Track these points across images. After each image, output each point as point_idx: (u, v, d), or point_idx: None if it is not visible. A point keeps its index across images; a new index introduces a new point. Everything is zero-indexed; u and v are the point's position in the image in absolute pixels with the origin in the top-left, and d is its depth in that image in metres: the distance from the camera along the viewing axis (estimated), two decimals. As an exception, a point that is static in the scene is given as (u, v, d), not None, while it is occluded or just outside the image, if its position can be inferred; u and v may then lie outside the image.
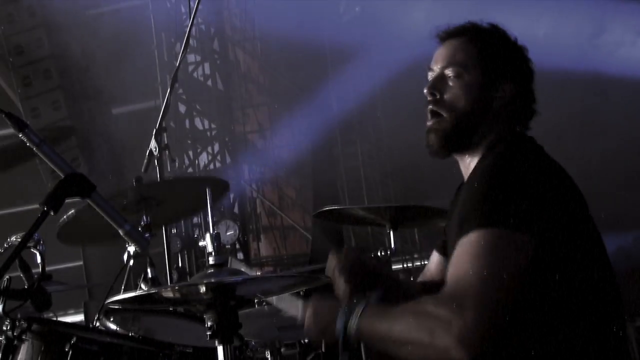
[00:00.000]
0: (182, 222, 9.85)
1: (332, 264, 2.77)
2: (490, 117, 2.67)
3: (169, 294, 2.42)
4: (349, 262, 2.74)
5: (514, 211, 2.36)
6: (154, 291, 2.29)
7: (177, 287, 2.47)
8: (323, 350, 4.16)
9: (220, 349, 2.32)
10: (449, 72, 2.70)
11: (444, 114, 2.69)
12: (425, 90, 2.73)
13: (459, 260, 2.36)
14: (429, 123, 2.72)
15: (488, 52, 2.69)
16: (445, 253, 2.86)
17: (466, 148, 2.71)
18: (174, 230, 9.73)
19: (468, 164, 2.73)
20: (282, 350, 4.66)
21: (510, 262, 2.32)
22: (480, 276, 2.28)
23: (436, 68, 2.74)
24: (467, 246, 2.35)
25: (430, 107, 2.71)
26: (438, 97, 2.69)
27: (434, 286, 2.72)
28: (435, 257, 3.02)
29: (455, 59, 2.70)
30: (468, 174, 2.71)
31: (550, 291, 2.40)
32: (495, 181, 2.46)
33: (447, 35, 2.77)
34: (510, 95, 2.68)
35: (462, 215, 2.45)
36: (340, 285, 2.70)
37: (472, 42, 2.71)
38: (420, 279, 3.08)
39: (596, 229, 2.57)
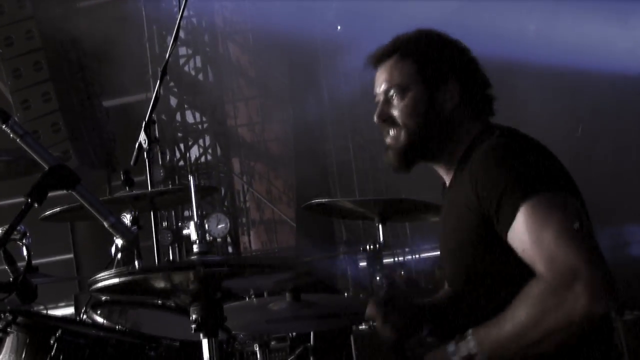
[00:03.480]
0: (173, 215, 9.85)
1: (371, 312, 2.77)
2: (447, 121, 2.68)
3: (154, 280, 2.40)
4: (390, 312, 2.73)
5: (546, 174, 2.44)
6: (137, 273, 2.25)
7: (160, 270, 2.42)
8: (312, 343, 4.16)
9: (205, 342, 2.31)
10: (391, 94, 2.72)
11: (397, 132, 2.71)
12: (375, 120, 2.75)
13: (533, 238, 2.35)
14: (386, 141, 2.75)
15: (422, 62, 2.70)
16: None
17: (431, 158, 2.75)
18: (164, 224, 9.73)
19: (446, 169, 2.75)
20: (273, 343, 4.67)
21: (578, 215, 2.38)
22: (565, 236, 2.32)
23: (379, 94, 2.76)
24: (528, 222, 2.36)
25: (384, 131, 2.74)
26: (389, 121, 2.72)
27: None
28: None
29: (393, 80, 2.71)
30: (450, 176, 2.73)
31: None
32: (510, 156, 2.49)
33: (378, 59, 2.78)
34: (458, 93, 2.69)
35: (495, 201, 2.43)
36: (388, 335, 2.72)
37: (404, 58, 2.71)
38: (441, 293, 3.05)
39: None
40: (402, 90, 2.69)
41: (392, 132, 2.72)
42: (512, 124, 2.72)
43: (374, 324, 2.77)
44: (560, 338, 2.32)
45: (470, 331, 2.44)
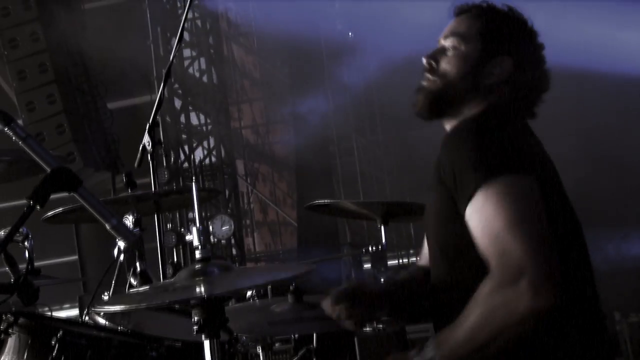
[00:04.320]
0: (177, 217, 9.87)
1: (326, 306, 2.76)
2: (483, 91, 2.66)
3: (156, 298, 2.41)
4: (339, 298, 2.72)
5: (508, 156, 2.39)
6: (142, 306, 2.27)
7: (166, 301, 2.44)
8: (314, 345, 4.16)
9: (206, 344, 2.32)
10: (448, 42, 2.73)
11: (436, 77, 2.71)
12: (423, 59, 2.76)
13: (484, 228, 2.34)
14: (422, 83, 2.74)
15: (490, 26, 2.70)
16: None
17: (450, 116, 2.71)
18: (169, 225, 9.75)
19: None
20: (276, 345, 4.66)
21: (532, 203, 2.35)
22: (513, 230, 2.29)
23: (440, 40, 2.78)
24: (481, 208, 2.35)
25: (425, 74, 2.74)
26: (434, 65, 2.72)
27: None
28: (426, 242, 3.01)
29: (456, 31, 2.73)
30: None
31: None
32: (478, 134, 2.47)
33: (458, 11, 2.80)
34: (508, 73, 2.67)
35: (457, 178, 2.42)
36: (345, 322, 2.71)
37: (476, 17, 2.73)
38: (419, 263, 3.06)
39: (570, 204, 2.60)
40: (458, 41, 2.70)
41: (430, 76, 2.72)
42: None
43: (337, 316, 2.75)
44: (508, 336, 2.30)
45: (431, 338, 2.43)
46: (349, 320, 2.74)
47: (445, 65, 2.70)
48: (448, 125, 2.73)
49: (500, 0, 2.81)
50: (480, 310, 2.32)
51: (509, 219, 2.31)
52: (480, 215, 2.36)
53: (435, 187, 2.55)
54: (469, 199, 2.38)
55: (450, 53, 2.71)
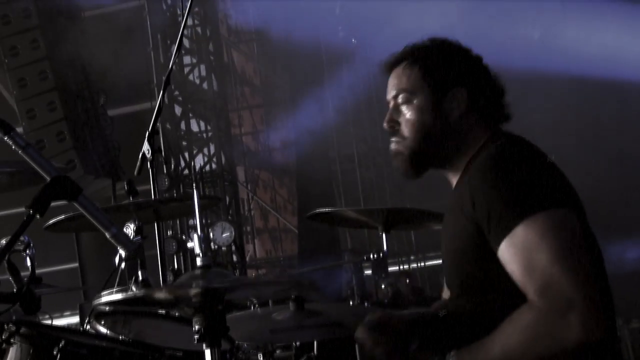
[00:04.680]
0: (178, 224, 9.85)
1: (361, 336, 2.72)
2: (455, 128, 2.68)
3: (158, 295, 2.41)
4: (374, 327, 2.68)
5: (545, 190, 2.40)
6: (139, 294, 2.27)
7: (164, 290, 2.44)
8: (315, 352, 4.15)
9: (207, 353, 2.32)
10: (399, 100, 2.74)
11: (405, 140, 2.72)
12: (384, 125, 2.78)
13: (526, 258, 2.34)
14: (393, 147, 2.76)
15: (430, 67, 2.71)
16: None
17: (441, 164, 2.74)
18: (169, 232, 9.73)
19: (453, 175, 2.75)
20: (277, 352, 4.65)
21: (574, 236, 2.37)
22: (560, 262, 2.30)
23: (389, 99, 2.79)
24: (523, 242, 2.35)
25: (392, 138, 2.77)
26: (396, 127, 2.74)
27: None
28: None
29: (401, 86, 2.74)
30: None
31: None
32: (510, 168, 2.47)
33: (390, 66, 2.81)
34: (466, 100, 2.68)
35: (493, 214, 2.41)
36: (379, 356, 2.68)
37: (412, 64, 2.73)
38: (444, 295, 3.04)
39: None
40: (409, 96, 2.71)
41: (398, 139, 2.73)
42: (517, 131, 2.72)
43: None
44: None
45: (453, 353, 2.42)
46: (383, 351, 2.68)
47: (407, 124, 2.71)
48: (448, 174, 2.74)
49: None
50: (522, 336, 2.33)
51: (554, 252, 2.32)
52: (521, 249, 2.36)
53: (457, 221, 2.56)
54: (504, 234, 2.38)
55: (405, 110, 2.72)
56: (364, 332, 2.70)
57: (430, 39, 2.78)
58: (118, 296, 2.27)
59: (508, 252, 2.39)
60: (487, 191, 2.46)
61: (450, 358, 2.42)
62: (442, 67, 2.71)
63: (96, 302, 2.27)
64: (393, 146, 2.75)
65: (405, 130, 2.71)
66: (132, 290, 2.63)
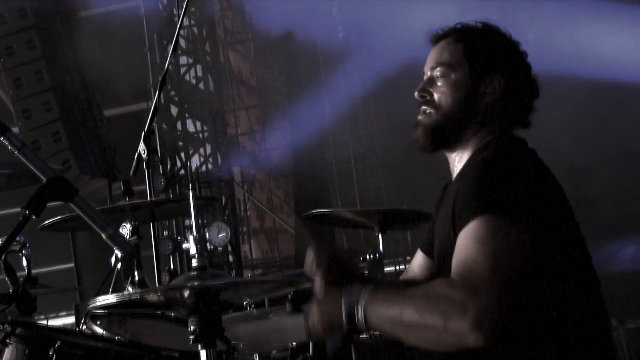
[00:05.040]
0: (174, 224, 9.85)
1: (309, 260, 2.73)
2: (481, 113, 2.69)
3: (151, 297, 2.41)
4: (326, 258, 2.69)
5: (513, 202, 2.40)
6: (134, 295, 2.27)
7: (158, 291, 2.44)
8: (311, 353, 4.14)
9: (203, 354, 2.32)
10: (437, 73, 2.74)
11: (432, 110, 2.73)
12: (415, 94, 2.76)
13: (466, 247, 2.37)
14: (418, 117, 2.76)
15: (474, 48, 2.72)
16: (430, 253, 2.88)
17: (454, 144, 2.73)
18: (165, 233, 9.73)
19: (457, 161, 2.75)
20: (274, 353, 4.65)
21: (516, 248, 2.36)
22: (491, 261, 2.31)
23: (427, 71, 2.78)
24: (472, 233, 2.37)
25: (421, 107, 2.75)
26: (428, 98, 2.73)
27: (417, 284, 2.72)
28: (419, 256, 3.01)
29: (442, 60, 2.74)
30: (457, 171, 2.73)
31: (544, 284, 2.44)
32: (494, 172, 2.48)
33: (437, 38, 2.81)
34: (501, 90, 2.69)
35: (460, 205, 2.46)
36: (317, 282, 2.61)
37: (458, 41, 2.74)
38: (402, 277, 3.07)
39: (581, 233, 2.59)
40: (447, 70, 2.71)
41: (426, 109, 2.73)
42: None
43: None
44: (427, 340, 2.33)
45: (369, 292, 2.41)
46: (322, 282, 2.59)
47: (440, 96, 2.71)
48: (453, 155, 2.75)
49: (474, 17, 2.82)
50: (422, 302, 2.33)
51: (489, 253, 2.33)
52: (467, 238, 2.38)
53: (445, 220, 2.58)
54: (464, 224, 2.41)
55: (440, 83, 2.72)
56: (313, 266, 2.61)
57: (482, 22, 2.78)
58: (112, 299, 2.26)
59: (460, 238, 2.41)
60: (466, 191, 2.48)
61: (366, 292, 2.40)
62: (486, 50, 2.71)
63: (91, 306, 2.26)
64: (420, 117, 2.74)
65: (438, 100, 2.71)
66: (127, 291, 2.63)
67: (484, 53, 2.71)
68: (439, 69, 2.73)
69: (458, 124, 2.69)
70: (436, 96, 2.72)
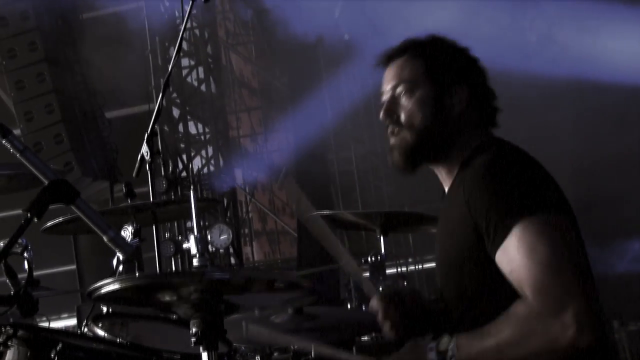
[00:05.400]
0: (176, 226, 9.85)
1: (374, 305, 2.74)
2: (454, 124, 2.67)
3: (155, 289, 2.38)
4: (392, 307, 2.70)
5: (538, 196, 2.41)
6: (138, 280, 2.24)
7: (161, 276, 2.42)
8: (313, 355, 4.14)
9: (205, 356, 2.31)
10: (399, 90, 2.70)
11: (403, 132, 2.69)
12: (381, 116, 2.73)
13: (521, 261, 2.34)
14: (391, 141, 2.73)
15: (434, 62, 2.70)
16: None
17: (435, 159, 2.72)
18: (167, 235, 9.73)
19: (445, 173, 2.73)
20: (275, 354, 4.65)
21: (565, 238, 2.37)
22: (552, 264, 2.31)
23: (387, 89, 2.74)
24: (518, 246, 2.35)
25: (389, 129, 2.73)
26: (395, 117, 2.70)
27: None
28: None
29: (403, 77, 2.70)
30: (450, 182, 2.71)
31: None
32: (504, 176, 2.48)
33: (389, 58, 2.77)
34: (467, 98, 2.68)
35: (486, 223, 2.42)
36: (384, 326, 2.69)
37: (416, 57, 2.71)
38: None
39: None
40: (410, 88, 2.68)
41: (396, 132, 2.70)
42: (515, 134, 2.72)
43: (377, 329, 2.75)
44: None
45: (452, 337, 2.43)
46: (390, 323, 2.69)
47: (407, 115, 2.67)
48: (439, 168, 2.73)
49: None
50: (515, 329, 2.33)
51: (547, 254, 2.33)
52: (516, 253, 2.36)
53: (453, 230, 2.56)
54: (502, 239, 2.38)
55: (405, 101, 2.68)
56: (378, 302, 2.70)
57: (430, 35, 2.77)
58: (115, 285, 2.22)
59: (505, 256, 2.39)
60: (484, 199, 2.45)
61: (450, 342, 2.42)
62: (445, 62, 2.70)
63: (92, 287, 2.22)
64: (391, 139, 2.72)
65: (407, 119, 2.68)
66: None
67: (444, 65, 2.69)
68: (401, 86, 2.69)
69: (433, 140, 2.67)
70: (403, 115, 2.68)
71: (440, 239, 2.71)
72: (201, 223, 2.50)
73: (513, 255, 2.37)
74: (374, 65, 2.81)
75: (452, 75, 2.69)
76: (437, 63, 2.69)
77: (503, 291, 2.42)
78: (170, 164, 10.25)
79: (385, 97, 2.74)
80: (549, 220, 2.37)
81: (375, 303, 2.74)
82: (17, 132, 8.49)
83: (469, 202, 2.49)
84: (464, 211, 2.50)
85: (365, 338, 5.32)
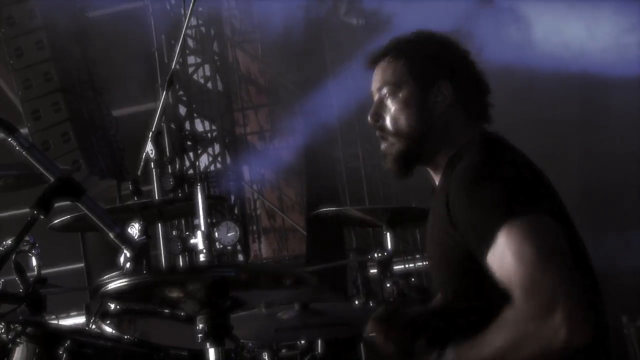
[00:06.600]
0: (183, 223, 9.86)
1: (372, 329, 2.74)
2: (439, 122, 2.66)
3: (163, 285, 2.39)
4: (384, 321, 2.70)
5: (524, 196, 2.39)
6: (145, 277, 2.26)
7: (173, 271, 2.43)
8: (320, 351, 4.15)
9: (212, 352, 2.32)
10: (384, 92, 2.72)
11: (391, 138, 2.70)
12: (368, 118, 2.75)
13: (509, 264, 2.33)
14: (382, 147, 2.75)
15: (414, 61, 2.70)
16: None
17: (427, 161, 2.73)
18: (174, 232, 9.74)
19: (434, 171, 2.74)
20: (283, 351, 4.67)
21: (552, 237, 2.35)
22: (540, 265, 2.29)
23: (374, 92, 2.76)
24: (505, 248, 2.34)
25: (377, 133, 2.76)
26: (380, 122, 2.72)
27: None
28: None
29: (386, 78, 2.72)
30: (437, 179, 2.71)
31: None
32: (486, 178, 2.46)
33: (373, 61, 2.79)
34: (451, 94, 2.66)
35: (472, 228, 2.41)
36: (390, 350, 2.67)
37: (397, 57, 2.72)
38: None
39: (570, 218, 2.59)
40: (393, 89, 2.69)
41: (385, 139, 2.72)
42: (514, 130, 2.71)
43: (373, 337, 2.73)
44: None
45: (450, 348, 2.42)
46: (395, 344, 2.67)
47: (392, 118, 2.69)
48: (429, 169, 2.72)
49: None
50: (509, 334, 2.32)
51: (536, 255, 2.31)
52: (506, 254, 2.34)
53: (438, 229, 2.56)
54: (489, 243, 2.37)
55: (389, 103, 2.70)
56: (374, 325, 2.69)
57: (415, 32, 2.76)
58: (121, 281, 2.23)
59: (495, 257, 2.38)
60: (468, 204, 2.44)
61: (448, 353, 2.41)
62: (427, 59, 2.69)
63: (100, 282, 2.23)
64: (382, 145, 2.74)
65: (390, 124, 2.69)
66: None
67: (425, 63, 2.69)
68: (385, 88, 2.71)
69: (420, 142, 2.68)
70: (388, 119, 2.70)
71: (429, 238, 2.71)
72: (208, 220, 2.50)
73: (501, 260, 2.36)
74: (364, 69, 2.82)
75: (434, 72, 2.68)
76: (418, 61, 2.70)
77: (490, 291, 2.40)
78: (177, 161, 10.27)
79: (374, 99, 2.76)
80: (535, 221, 2.36)
81: (371, 328, 2.73)
82: (24, 131, 8.50)
83: (454, 206, 2.49)
84: (448, 214, 2.50)
85: (373, 334, 5.32)
